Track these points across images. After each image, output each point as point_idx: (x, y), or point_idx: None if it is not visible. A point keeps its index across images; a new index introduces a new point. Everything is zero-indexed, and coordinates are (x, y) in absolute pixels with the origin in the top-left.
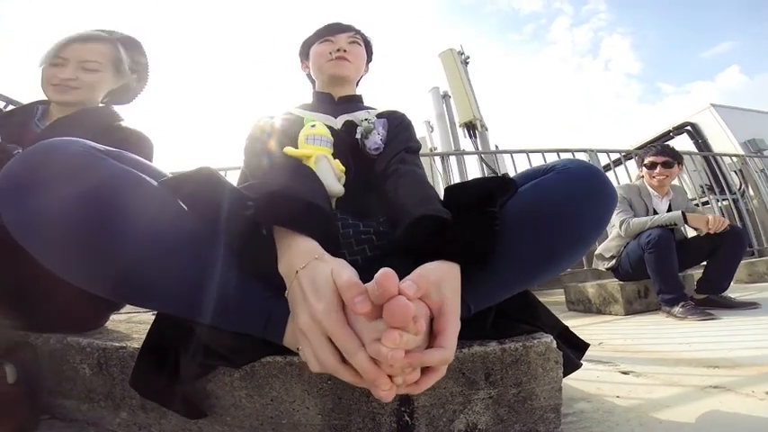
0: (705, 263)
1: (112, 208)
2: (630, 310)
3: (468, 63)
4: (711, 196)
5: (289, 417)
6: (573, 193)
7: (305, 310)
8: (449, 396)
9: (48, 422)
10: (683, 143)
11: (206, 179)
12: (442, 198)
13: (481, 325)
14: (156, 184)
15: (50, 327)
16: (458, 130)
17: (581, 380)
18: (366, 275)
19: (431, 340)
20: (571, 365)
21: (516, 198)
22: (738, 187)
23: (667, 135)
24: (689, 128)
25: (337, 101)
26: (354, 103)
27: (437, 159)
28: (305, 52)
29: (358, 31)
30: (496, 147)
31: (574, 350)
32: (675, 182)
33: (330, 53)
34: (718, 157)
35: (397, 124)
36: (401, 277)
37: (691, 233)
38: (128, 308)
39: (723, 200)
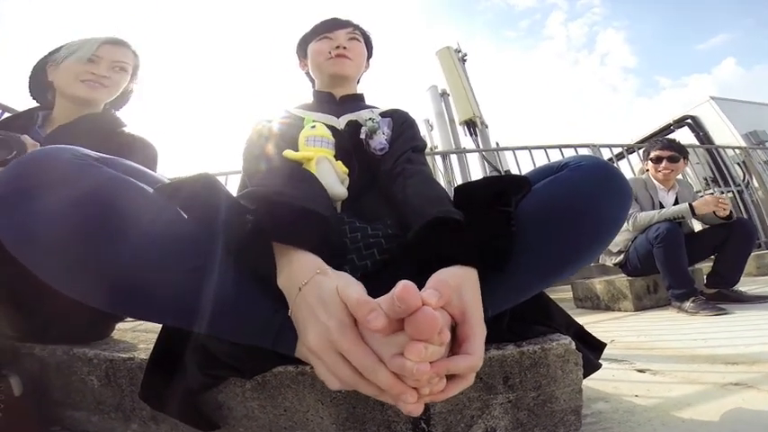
0: (714, 256)
1: (105, 217)
2: (640, 306)
3: (465, 60)
4: (716, 188)
5: (302, 427)
6: (589, 191)
7: (315, 329)
8: (466, 401)
9: None
10: (684, 136)
11: (203, 187)
12: (451, 197)
13: (497, 328)
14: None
15: (55, 338)
16: (458, 128)
17: (597, 379)
18: (376, 281)
19: (454, 347)
20: (591, 366)
21: (530, 197)
22: (742, 179)
23: (668, 128)
24: (689, 121)
25: (339, 100)
26: (356, 102)
27: (438, 158)
28: (303, 50)
29: (357, 27)
30: (497, 144)
31: (591, 350)
32: (679, 175)
33: (329, 51)
34: (721, 150)
35: (401, 123)
36: (414, 282)
37: (697, 227)
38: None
39: (727, 192)
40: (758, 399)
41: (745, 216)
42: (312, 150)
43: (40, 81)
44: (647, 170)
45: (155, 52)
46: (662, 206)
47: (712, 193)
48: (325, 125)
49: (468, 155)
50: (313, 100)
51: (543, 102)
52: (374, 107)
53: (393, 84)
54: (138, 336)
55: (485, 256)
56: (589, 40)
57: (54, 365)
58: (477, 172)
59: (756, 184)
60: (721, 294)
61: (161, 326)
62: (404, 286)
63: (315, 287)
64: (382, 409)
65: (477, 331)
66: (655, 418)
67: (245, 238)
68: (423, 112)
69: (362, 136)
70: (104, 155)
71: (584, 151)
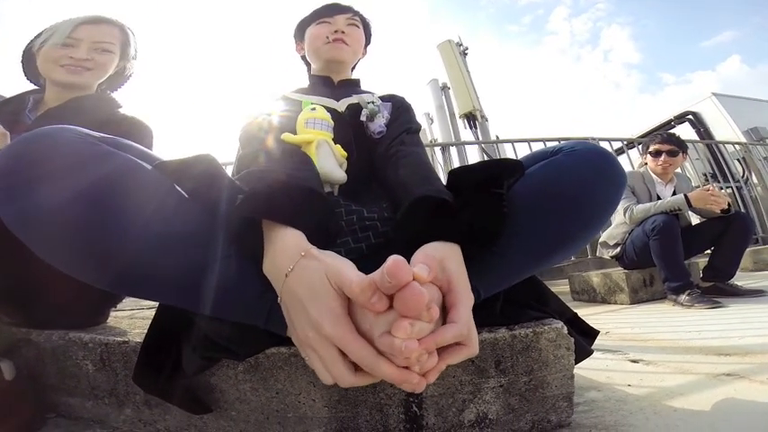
0: (710, 250)
1: (114, 198)
2: (636, 299)
3: (466, 54)
4: (715, 184)
5: (294, 410)
6: (583, 174)
7: (308, 323)
8: (458, 385)
9: (54, 420)
10: (685, 132)
11: (205, 169)
12: (445, 181)
13: (490, 311)
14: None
15: (50, 323)
16: (458, 122)
17: (590, 369)
18: (371, 263)
19: (443, 318)
20: (583, 353)
21: (524, 180)
22: (742, 175)
23: (669, 124)
24: (690, 117)
25: (337, 84)
26: (354, 87)
27: (437, 150)
28: (300, 33)
29: (357, 13)
30: (497, 137)
31: (584, 337)
32: (678, 170)
33: (327, 35)
34: (721, 146)
35: (397, 107)
36: (408, 258)
37: (695, 220)
38: (130, 305)
39: (726, 187)
40: (750, 389)
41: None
42: (312, 133)
43: (30, 66)
44: (646, 163)
45: (148, 39)
46: (659, 199)
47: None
48: (326, 108)
49: (467, 147)
50: (310, 84)
51: (545, 97)
52: (371, 92)
53: (394, 76)
54: (135, 323)
55: (475, 236)
56: (593, 36)
57: (50, 350)
58: None
59: (756, 181)
60: (717, 288)
61: (156, 310)
62: (394, 261)
63: (302, 274)
64: (374, 392)
65: (463, 299)
66: (647, 407)
67: (233, 216)
68: (423, 105)
69: (363, 119)
70: (104, 134)
71: None
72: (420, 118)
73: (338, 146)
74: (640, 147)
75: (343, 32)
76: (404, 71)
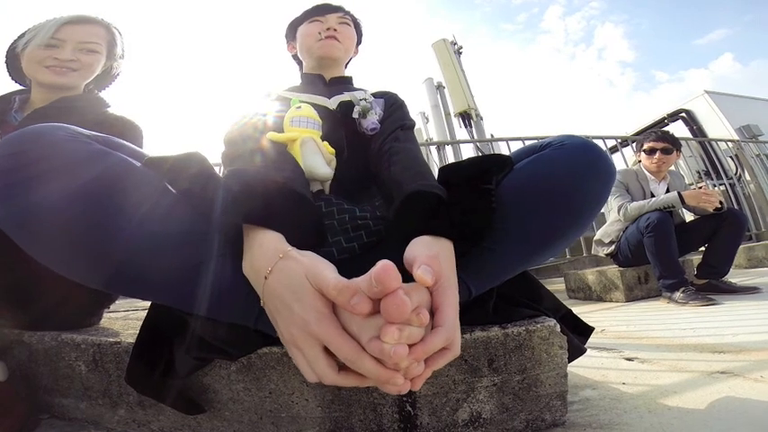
0: (704, 247)
1: (109, 196)
2: (631, 297)
3: (461, 53)
4: (708, 181)
5: (288, 410)
6: (572, 168)
7: (292, 322)
8: (451, 384)
9: (48, 421)
10: (678, 130)
11: (200, 170)
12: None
13: (482, 310)
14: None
15: (43, 324)
16: (453, 120)
17: (585, 367)
18: (364, 262)
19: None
20: (576, 351)
21: (513, 175)
22: (734, 172)
23: (662, 122)
24: (684, 114)
25: (329, 82)
26: (346, 84)
27: (433, 149)
28: (292, 33)
29: (348, 12)
30: (492, 135)
31: (578, 334)
32: (671, 167)
33: (319, 33)
34: (714, 143)
35: (390, 104)
36: (400, 257)
37: (689, 217)
38: (124, 306)
39: (720, 185)
40: (744, 386)
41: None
42: (297, 131)
43: (14, 66)
44: (640, 161)
45: (140, 40)
46: (653, 197)
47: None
48: (318, 106)
49: (462, 146)
50: (302, 82)
51: (540, 95)
52: (363, 89)
53: (390, 76)
54: (128, 323)
55: (462, 230)
56: (587, 35)
57: (42, 352)
58: None
59: (748, 178)
60: (711, 285)
61: (148, 310)
62: (383, 266)
63: (281, 276)
64: (368, 392)
65: (449, 299)
66: (642, 405)
67: (216, 220)
68: (419, 104)
69: (355, 115)
70: (96, 133)
71: None
72: (415, 117)
73: (325, 143)
74: (634, 144)
75: (335, 30)
76: (399, 70)
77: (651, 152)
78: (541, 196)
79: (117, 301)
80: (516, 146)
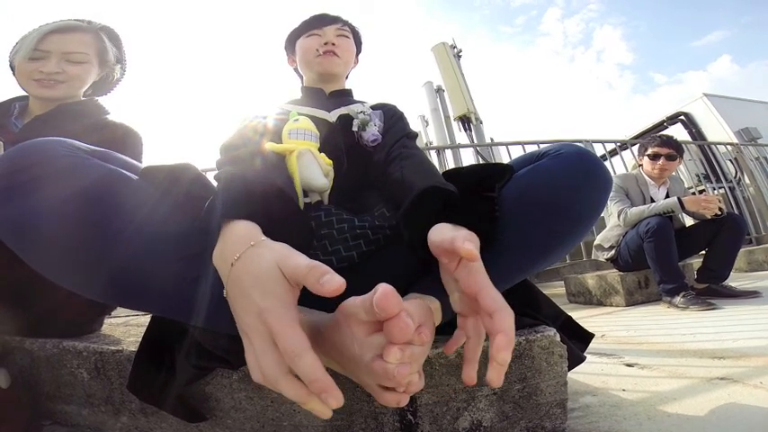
0: (704, 252)
1: (102, 210)
2: (631, 301)
3: (460, 56)
4: (707, 185)
5: (290, 418)
6: (569, 177)
7: (249, 311)
8: (452, 393)
9: (50, 428)
10: (677, 133)
11: (195, 178)
12: None
13: None
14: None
15: (44, 331)
16: (452, 124)
17: (585, 373)
18: (362, 271)
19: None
20: (576, 359)
21: (512, 184)
22: (734, 175)
23: (661, 125)
24: (682, 117)
25: (329, 95)
26: (346, 97)
27: (433, 153)
28: (291, 46)
29: (346, 23)
30: (491, 139)
31: (578, 341)
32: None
33: (317, 48)
34: (713, 146)
35: (390, 116)
36: (398, 265)
37: (689, 222)
38: (125, 312)
39: (719, 188)
40: (743, 393)
41: (736, 212)
42: (294, 143)
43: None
44: (641, 165)
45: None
46: (653, 201)
47: (703, 191)
48: (317, 119)
49: (462, 150)
50: (302, 95)
51: (539, 98)
52: (363, 102)
53: (389, 80)
54: (129, 330)
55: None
56: (585, 37)
57: (44, 359)
58: None
59: (748, 181)
60: (711, 289)
61: (150, 319)
62: (383, 293)
63: (248, 262)
64: (369, 401)
65: (499, 302)
66: (641, 412)
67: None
68: (418, 108)
69: (355, 129)
70: (94, 147)
71: None
72: (415, 120)
73: (322, 154)
74: (637, 148)
75: (333, 44)
76: (399, 74)
77: (655, 157)
78: (541, 205)
79: (117, 308)
80: (516, 150)
